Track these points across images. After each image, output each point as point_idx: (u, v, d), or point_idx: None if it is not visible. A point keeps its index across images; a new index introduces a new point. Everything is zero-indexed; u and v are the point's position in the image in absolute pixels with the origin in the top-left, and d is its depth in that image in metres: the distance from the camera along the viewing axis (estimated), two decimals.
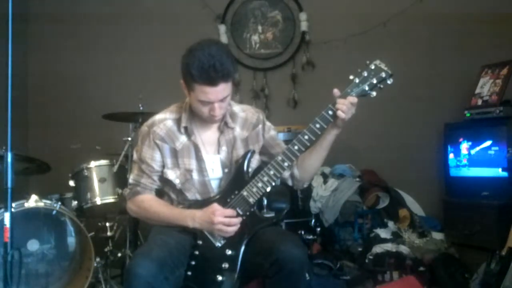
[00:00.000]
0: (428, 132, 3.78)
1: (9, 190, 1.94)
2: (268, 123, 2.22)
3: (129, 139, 3.29)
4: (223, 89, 1.92)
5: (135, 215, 2.16)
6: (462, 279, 2.97)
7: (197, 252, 1.95)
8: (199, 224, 1.95)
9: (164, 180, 2.10)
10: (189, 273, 1.92)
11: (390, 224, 3.47)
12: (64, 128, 4.27)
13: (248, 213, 1.98)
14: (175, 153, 2.08)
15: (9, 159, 1.95)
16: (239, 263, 1.93)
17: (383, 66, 1.98)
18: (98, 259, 3.07)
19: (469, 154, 3.31)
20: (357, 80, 1.96)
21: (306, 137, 1.97)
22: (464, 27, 3.78)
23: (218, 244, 1.95)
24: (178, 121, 2.10)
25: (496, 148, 3.11)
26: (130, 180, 2.15)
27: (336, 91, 1.97)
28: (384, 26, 3.87)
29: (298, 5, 4.15)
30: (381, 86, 1.97)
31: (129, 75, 4.24)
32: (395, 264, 3.09)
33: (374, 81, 1.96)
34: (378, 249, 3.20)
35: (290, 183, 2.20)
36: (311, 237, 3.41)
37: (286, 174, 2.13)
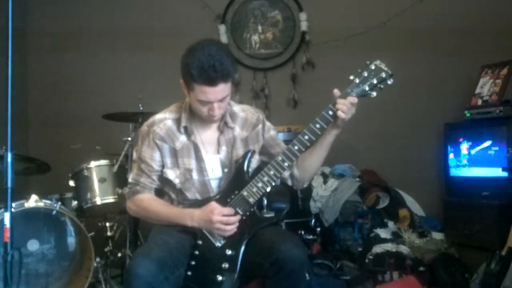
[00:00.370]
0: (428, 132, 3.78)
1: (9, 190, 1.94)
2: (268, 123, 2.22)
3: (129, 139, 3.29)
4: (223, 89, 1.92)
5: (135, 214, 2.16)
6: (462, 279, 2.97)
7: (197, 252, 1.94)
8: (197, 223, 1.95)
9: (164, 180, 2.10)
10: (189, 273, 1.92)
11: (390, 224, 3.47)
12: (64, 128, 4.27)
13: (248, 213, 1.98)
14: (174, 153, 2.08)
15: (9, 159, 1.95)
16: (239, 263, 1.93)
17: (383, 66, 1.98)
18: (98, 259, 3.07)
19: (469, 154, 3.31)
20: (357, 80, 1.96)
21: (306, 137, 1.97)
22: (464, 27, 3.78)
23: (218, 244, 1.95)
24: (178, 121, 2.10)
25: (496, 148, 3.11)
26: (130, 180, 2.15)
27: (336, 91, 1.97)
28: (384, 26, 3.87)
29: (298, 5, 4.15)
30: (381, 86, 1.97)
31: (129, 75, 4.24)
32: (395, 264, 3.09)
33: (374, 81, 1.96)
34: (378, 249, 3.20)
35: (290, 183, 2.20)
36: (311, 237, 3.41)
37: (286, 174, 2.13)
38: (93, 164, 3.24)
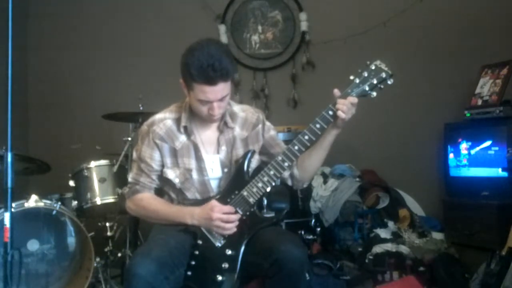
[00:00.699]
0: (428, 132, 3.78)
1: (9, 190, 1.95)
2: (267, 123, 2.22)
3: (129, 139, 3.30)
4: (222, 88, 1.92)
5: (134, 213, 2.16)
6: (462, 279, 2.97)
7: (197, 252, 1.94)
8: (197, 221, 1.95)
9: (164, 180, 2.10)
10: (189, 273, 1.92)
11: (390, 224, 3.47)
12: (64, 128, 4.28)
13: (248, 213, 1.98)
14: (174, 153, 2.08)
15: (9, 159, 1.95)
16: (239, 263, 1.93)
17: (383, 66, 1.98)
18: (98, 259, 3.07)
19: (469, 154, 3.31)
20: (357, 80, 1.96)
21: (306, 137, 1.97)
22: (464, 27, 3.78)
23: (218, 244, 1.95)
24: (177, 121, 2.10)
25: (496, 148, 3.11)
26: (129, 179, 2.15)
27: (336, 91, 1.97)
28: (384, 26, 3.86)
29: (298, 5, 4.15)
30: (382, 86, 1.97)
31: (129, 75, 4.24)
32: (395, 264, 3.09)
33: (375, 81, 1.96)
34: (378, 249, 3.20)
35: (290, 183, 2.20)
36: (311, 237, 3.41)
37: (286, 174, 2.13)
38: (93, 164, 3.24)
